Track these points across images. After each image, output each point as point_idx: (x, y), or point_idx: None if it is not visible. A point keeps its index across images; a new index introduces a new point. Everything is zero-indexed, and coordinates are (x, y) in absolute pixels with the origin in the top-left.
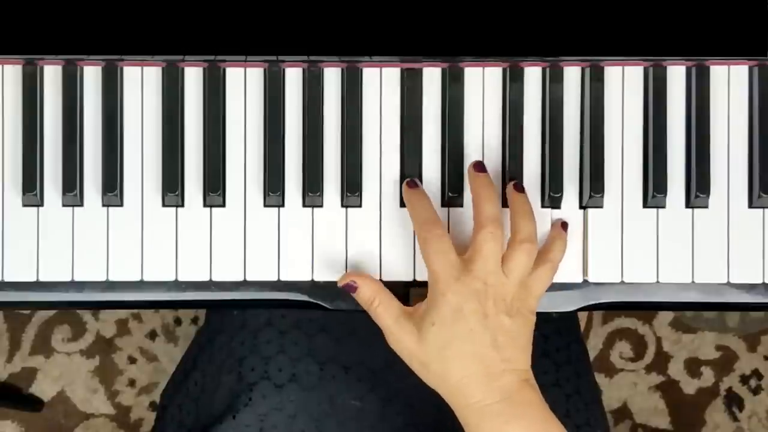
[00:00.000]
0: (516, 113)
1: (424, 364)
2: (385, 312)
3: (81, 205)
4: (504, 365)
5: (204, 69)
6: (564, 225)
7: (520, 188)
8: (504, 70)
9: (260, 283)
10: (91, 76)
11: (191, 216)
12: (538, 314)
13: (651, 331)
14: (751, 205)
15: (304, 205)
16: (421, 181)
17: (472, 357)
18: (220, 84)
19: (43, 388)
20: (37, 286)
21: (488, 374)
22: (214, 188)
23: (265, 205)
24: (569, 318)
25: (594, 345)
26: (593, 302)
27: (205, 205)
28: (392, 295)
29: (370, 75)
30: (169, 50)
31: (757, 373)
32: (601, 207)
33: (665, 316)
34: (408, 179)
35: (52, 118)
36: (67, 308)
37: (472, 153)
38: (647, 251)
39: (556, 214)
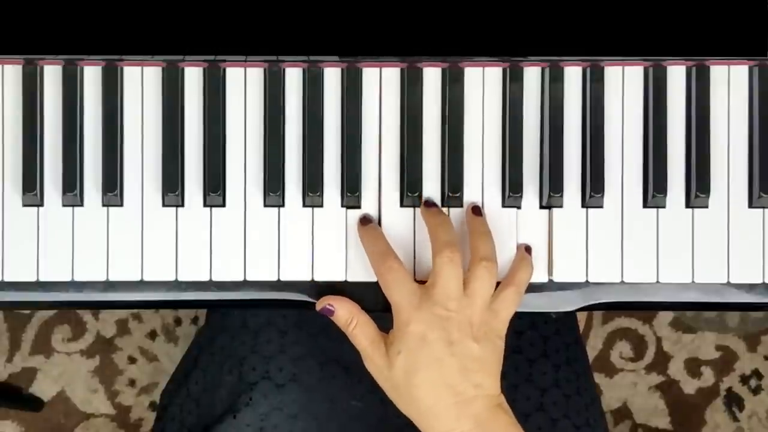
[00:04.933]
0: (516, 113)
1: (395, 388)
2: (361, 334)
3: (81, 205)
4: (475, 391)
5: (204, 69)
6: (528, 249)
7: (478, 212)
8: (504, 70)
9: (260, 283)
10: (91, 76)
11: (191, 216)
12: (537, 315)
13: (651, 331)
14: (751, 205)
15: (304, 205)
16: (421, 181)
17: (441, 385)
18: (220, 84)
19: (43, 388)
20: (37, 286)
21: (458, 402)
22: (214, 188)
23: (265, 205)
24: (568, 319)
25: (594, 345)
26: (593, 302)
27: (205, 205)
28: (369, 318)
29: (370, 75)
30: (169, 50)
31: (757, 373)
32: (601, 207)
33: (665, 316)
34: (361, 216)
35: (52, 118)
36: (67, 308)
37: (472, 153)
38: (647, 251)
39: (557, 213)
